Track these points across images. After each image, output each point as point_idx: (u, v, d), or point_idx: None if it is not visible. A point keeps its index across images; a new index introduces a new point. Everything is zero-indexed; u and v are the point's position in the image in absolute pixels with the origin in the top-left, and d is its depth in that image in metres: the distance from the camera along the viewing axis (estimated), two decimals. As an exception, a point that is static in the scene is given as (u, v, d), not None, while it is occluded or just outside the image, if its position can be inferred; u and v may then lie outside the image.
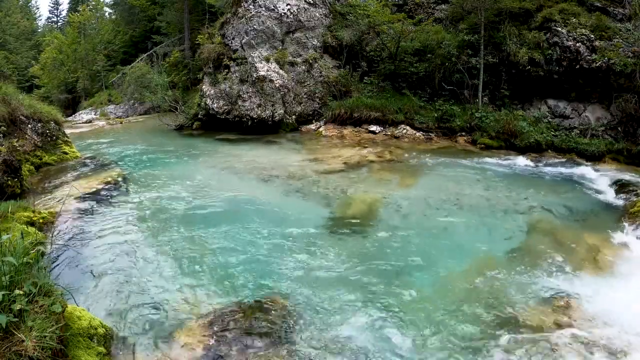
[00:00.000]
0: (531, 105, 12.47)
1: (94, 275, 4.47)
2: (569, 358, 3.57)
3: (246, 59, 13.88)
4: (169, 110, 16.76)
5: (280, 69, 13.98)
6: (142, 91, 19.48)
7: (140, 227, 5.67)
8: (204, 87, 14.64)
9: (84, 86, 30.17)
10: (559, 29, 11.73)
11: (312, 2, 15.01)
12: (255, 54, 13.89)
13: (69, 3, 51.86)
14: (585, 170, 9.32)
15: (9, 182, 6.30)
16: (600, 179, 8.58)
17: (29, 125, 8.72)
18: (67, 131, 10.70)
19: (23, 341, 2.50)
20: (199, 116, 14.94)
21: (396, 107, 12.89)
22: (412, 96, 13.38)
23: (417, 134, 12.25)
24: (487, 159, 10.07)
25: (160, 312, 3.95)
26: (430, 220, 6.33)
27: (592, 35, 11.27)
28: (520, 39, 12.35)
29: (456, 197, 7.26)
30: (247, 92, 13.54)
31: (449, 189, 7.66)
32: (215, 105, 13.98)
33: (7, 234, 3.09)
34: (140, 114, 22.24)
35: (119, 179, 7.76)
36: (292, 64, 14.38)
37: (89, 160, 9.44)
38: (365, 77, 14.37)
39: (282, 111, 13.57)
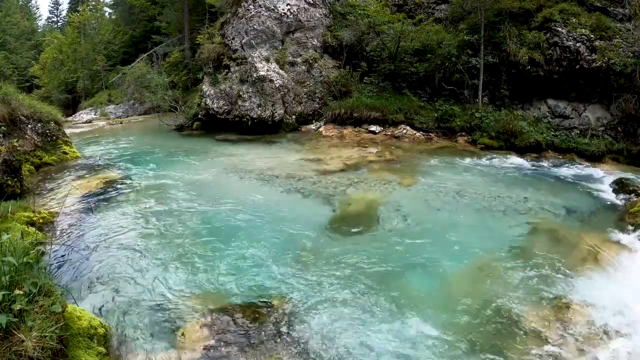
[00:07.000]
0: (531, 105, 12.47)
1: (94, 275, 4.47)
2: (569, 358, 3.57)
3: (246, 59, 13.88)
4: (169, 110, 16.76)
5: (280, 69, 13.98)
6: (142, 91, 19.51)
7: (140, 227, 5.67)
8: (204, 87, 14.64)
9: (84, 86, 30.22)
10: (559, 29, 11.73)
11: (312, 2, 15.01)
12: (255, 54, 13.88)
13: (69, 3, 51.93)
14: (585, 170, 9.32)
15: (9, 182, 6.30)
16: (600, 179, 8.58)
17: (29, 125, 8.72)
18: (67, 131, 10.71)
19: (23, 341, 2.50)
20: (199, 116, 14.94)
21: (396, 107, 12.87)
22: (412, 96, 13.36)
23: (417, 134, 12.25)
24: (487, 159, 10.07)
25: (160, 312, 3.95)
26: (430, 220, 6.33)
27: (592, 35, 11.26)
28: (520, 39, 12.34)
29: (456, 197, 7.25)
30: (247, 92, 13.53)
31: (449, 189, 7.66)
32: (215, 105, 13.98)
33: (7, 234, 3.09)
34: (140, 114, 22.26)
35: (119, 179, 7.76)
36: (292, 64, 14.39)
37: (88, 161, 9.45)
38: (365, 77, 14.36)
39: (282, 111, 13.56)
